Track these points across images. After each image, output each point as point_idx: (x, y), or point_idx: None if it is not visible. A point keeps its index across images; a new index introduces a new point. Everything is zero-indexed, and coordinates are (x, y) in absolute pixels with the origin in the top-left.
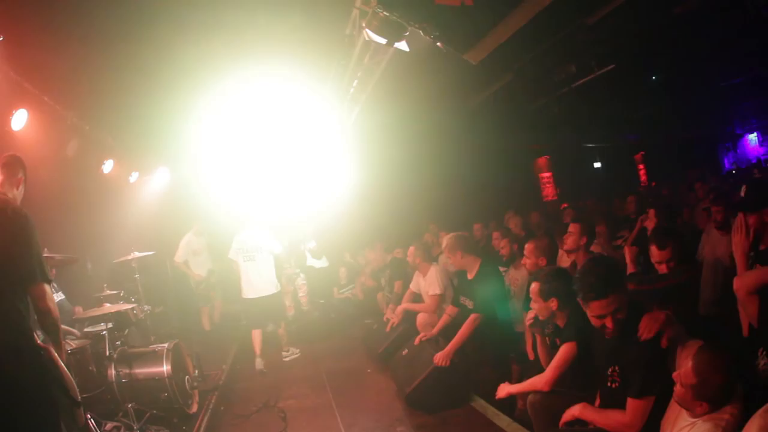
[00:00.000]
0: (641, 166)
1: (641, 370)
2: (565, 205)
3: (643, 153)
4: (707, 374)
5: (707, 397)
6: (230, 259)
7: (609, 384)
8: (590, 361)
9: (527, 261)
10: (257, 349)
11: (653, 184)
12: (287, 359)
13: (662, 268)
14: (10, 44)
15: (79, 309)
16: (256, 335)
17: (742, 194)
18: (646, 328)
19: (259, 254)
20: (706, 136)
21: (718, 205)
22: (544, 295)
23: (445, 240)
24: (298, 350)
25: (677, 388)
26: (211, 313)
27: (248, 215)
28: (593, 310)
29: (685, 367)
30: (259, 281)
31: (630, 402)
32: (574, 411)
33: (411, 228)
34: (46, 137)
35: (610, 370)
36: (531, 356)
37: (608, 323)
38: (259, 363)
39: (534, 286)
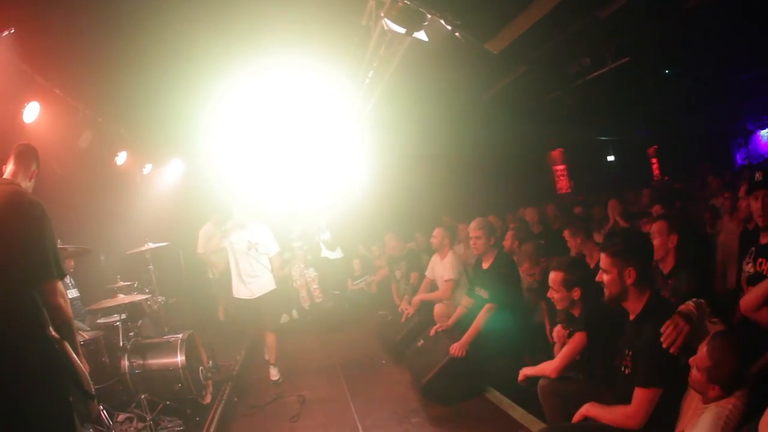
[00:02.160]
0: (654, 160)
1: (649, 358)
2: (581, 198)
3: (656, 147)
4: (720, 358)
5: (720, 381)
6: (200, 254)
7: (623, 369)
8: (607, 347)
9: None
10: (272, 356)
11: (665, 178)
12: (274, 378)
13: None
14: (21, 37)
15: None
16: (270, 340)
17: (758, 178)
18: (668, 336)
19: (256, 251)
20: (719, 131)
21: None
22: (569, 285)
23: (480, 222)
24: (278, 375)
25: (693, 372)
26: (226, 305)
27: (248, 208)
28: (603, 261)
29: (700, 351)
30: (254, 281)
31: (636, 391)
32: (584, 411)
33: (425, 220)
34: (59, 129)
35: (626, 352)
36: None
37: (606, 280)
38: (274, 373)
39: (556, 275)
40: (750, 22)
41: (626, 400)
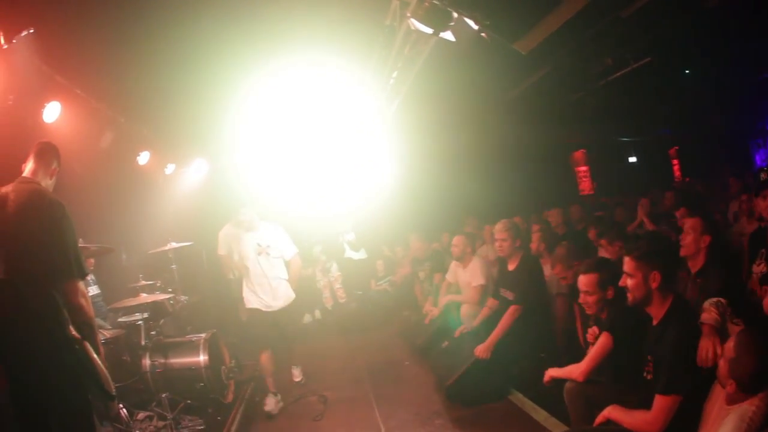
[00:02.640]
0: (675, 161)
1: (670, 364)
2: (604, 200)
3: (677, 148)
4: (743, 354)
5: (737, 377)
6: (222, 255)
7: (645, 375)
8: (632, 351)
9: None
10: (269, 382)
11: (687, 179)
12: (297, 379)
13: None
14: (41, 37)
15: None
16: (266, 359)
17: (764, 177)
18: (704, 357)
19: (267, 255)
20: (738, 132)
21: None
22: (604, 285)
23: (506, 224)
24: (301, 375)
25: (720, 362)
26: None
27: (256, 207)
28: (627, 265)
29: (729, 343)
30: (267, 290)
31: (656, 398)
32: (605, 413)
33: (449, 220)
34: (80, 129)
35: (648, 357)
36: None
37: (630, 284)
38: (270, 402)
39: (590, 277)
40: None
41: (648, 405)
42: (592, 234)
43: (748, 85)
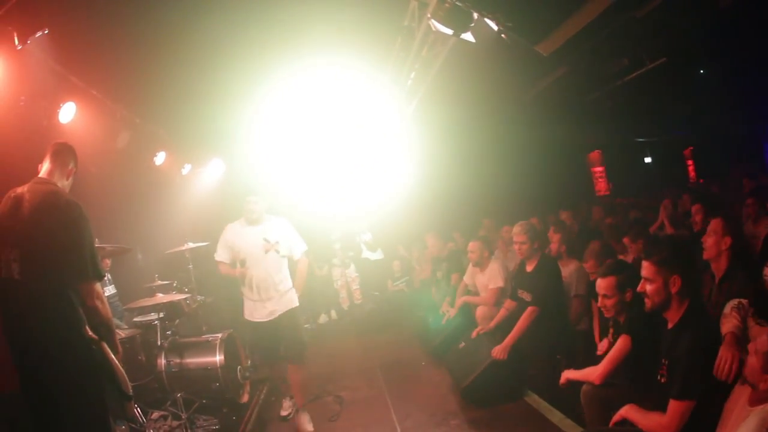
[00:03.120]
0: (690, 162)
1: (685, 368)
2: (620, 200)
3: (692, 148)
4: None
5: None
6: (219, 262)
7: (659, 378)
8: (649, 354)
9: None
10: (299, 397)
11: (701, 180)
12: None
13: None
14: (55, 38)
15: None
16: (296, 376)
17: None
18: (722, 369)
19: (276, 254)
20: (753, 132)
21: None
22: (623, 287)
23: (524, 227)
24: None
25: (750, 359)
26: None
27: (265, 197)
28: (647, 270)
29: (761, 338)
30: (272, 295)
31: (670, 403)
32: (622, 412)
33: (465, 220)
34: (96, 130)
35: (662, 361)
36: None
37: (649, 289)
38: (287, 406)
39: (609, 280)
40: None
41: (663, 408)
42: (626, 239)
43: (763, 85)
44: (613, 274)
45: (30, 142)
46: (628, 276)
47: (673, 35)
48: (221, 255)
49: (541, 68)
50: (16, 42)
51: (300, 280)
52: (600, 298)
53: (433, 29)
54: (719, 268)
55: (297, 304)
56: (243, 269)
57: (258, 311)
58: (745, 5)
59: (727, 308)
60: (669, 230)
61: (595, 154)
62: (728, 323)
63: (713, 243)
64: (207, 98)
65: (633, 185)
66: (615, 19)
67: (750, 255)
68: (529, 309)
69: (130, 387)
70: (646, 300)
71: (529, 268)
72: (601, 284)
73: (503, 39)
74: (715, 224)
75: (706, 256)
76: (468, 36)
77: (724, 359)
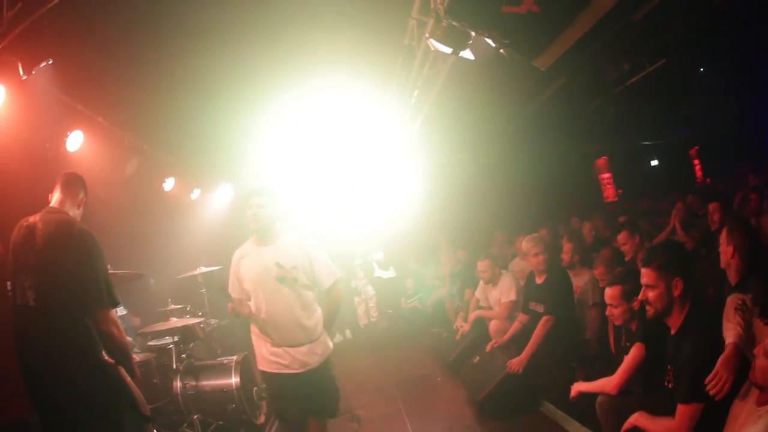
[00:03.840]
0: (696, 162)
1: (690, 373)
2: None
3: (697, 148)
4: None
5: None
6: (235, 299)
7: (666, 384)
8: (659, 361)
9: None
10: None
11: (708, 180)
12: None
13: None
14: (61, 67)
15: (137, 320)
16: (320, 429)
17: None
18: (714, 385)
19: (294, 282)
20: (756, 129)
21: None
22: (629, 296)
23: (535, 240)
24: None
25: (757, 362)
26: None
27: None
28: (647, 277)
29: None
30: (293, 340)
31: (678, 407)
32: (632, 419)
33: (476, 235)
34: (104, 157)
35: (668, 367)
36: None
37: (651, 296)
38: None
39: (614, 290)
40: None
41: (672, 413)
42: (622, 236)
43: (765, 80)
44: (618, 283)
45: (37, 171)
46: (634, 284)
47: (670, 36)
48: (232, 289)
49: (543, 79)
50: (21, 72)
51: (328, 316)
52: (608, 308)
53: (432, 48)
54: (732, 275)
55: (331, 348)
56: (247, 305)
57: (280, 359)
58: (738, 1)
59: (729, 308)
60: (680, 234)
61: (601, 161)
62: (731, 331)
63: (725, 252)
64: (214, 124)
65: (641, 189)
66: (612, 25)
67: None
68: (544, 319)
69: (148, 409)
70: (648, 308)
71: (539, 280)
72: (608, 293)
73: (502, 54)
74: (724, 233)
75: (723, 264)
76: (467, 54)
77: (719, 377)
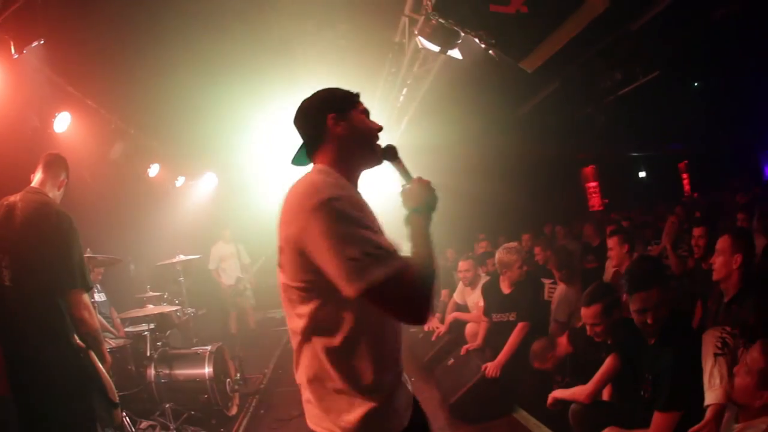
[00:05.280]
0: (685, 175)
1: (670, 382)
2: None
3: (686, 162)
4: None
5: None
6: None
7: (642, 393)
8: (634, 371)
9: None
10: None
11: (695, 195)
12: None
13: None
14: (52, 47)
15: (118, 322)
16: None
17: None
18: None
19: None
20: (748, 144)
21: None
22: (609, 312)
23: (515, 248)
24: None
25: (737, 380)
26: (242, 318)
27: None
28: (635, 303)
29: (751, 355)
30: None
31: (655, 415)
32: None
33: (459, 237)
34: (90, 140)
35: (645, 377)
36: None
37: (648, 318)
38: None
39: (594, 309)
40: None
41: (646, 424)
42: (614, 240)
43: (758, 97)
44: (597, 301)
45: (25, 151)
46: (612, 298)
47: (666, 48)
48: None
49: (534, 83)
50: (13, 51)
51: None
52: (588, 327)
53: (420, 46)
54: (729, 288)
55: None
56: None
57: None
58: (737, 17)
59: (708, 347)
60: (671, 257)
61: (589, 169)
62: (714, 390)
63: (723, 263)
64: (201, 112)
65: (627, 200)
66: (608, 33)
67: (763, 278)
68: (520, 325)
69: (116, 395)
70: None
71: (507, 290)
72: (587, 313)
73: (492, 55)
74: (723, 242)
75: (715, 277)
76: (455, 53)
77: None
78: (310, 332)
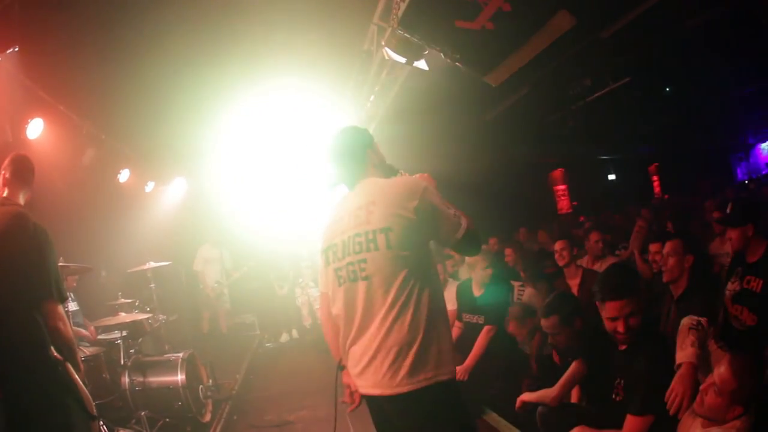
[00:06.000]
0: (655, 178)
1: (644, 386)
2: (583, 218)
3: (657, 165)
4: (745, 378)
5: (743, 401)
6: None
7: (613, 396)
8: (602, 374)
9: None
10: None
11: (666, 196)
12: None
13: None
14: (26, 53)
15: (92, 329)
16: None
17: (728, 211)
18: (672, 401)
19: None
20: (720, 147)
21: None
22: (569, 321)
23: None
24: None
25: (707, 398)
26: (215, 321)
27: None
28: (608, 312)
29: (720, 375)
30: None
31: (628, 419)
32: None
33: None
34: (62, 146)
35: (616, 381)
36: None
37: (620, 327)
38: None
39: (552, 320)
40: (749, 37)
41: (617, 426)
42: (559, 244)
43: (729, 101)
44: (554, 313)
45: None
46: (570, 307)
47: (638, 54)
48: None
49: (503, 90)
50: None
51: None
52: (549, 337)
53: (386, 57)
54: (678, 288)
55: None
56: None
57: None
58: (711, 24)
59: (684, 327)
60: (639, 262)
61: (557, 173)
62: (685, 351)
63: (674, 264)
64: (171, 117)
65: (596, 203)
66: (580, 41)
67: (711, 274)
68: (486, 328)
69: (93, 407)
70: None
71: (478, 292)
72: (546, 324)
73: (458, 66)
74: (673, 245)
75: (666, 278)
76: (422, 64)
77: (675, 392)
78: None
